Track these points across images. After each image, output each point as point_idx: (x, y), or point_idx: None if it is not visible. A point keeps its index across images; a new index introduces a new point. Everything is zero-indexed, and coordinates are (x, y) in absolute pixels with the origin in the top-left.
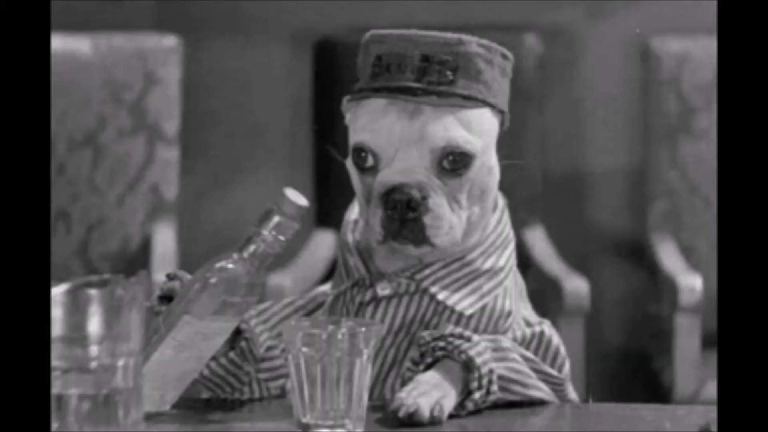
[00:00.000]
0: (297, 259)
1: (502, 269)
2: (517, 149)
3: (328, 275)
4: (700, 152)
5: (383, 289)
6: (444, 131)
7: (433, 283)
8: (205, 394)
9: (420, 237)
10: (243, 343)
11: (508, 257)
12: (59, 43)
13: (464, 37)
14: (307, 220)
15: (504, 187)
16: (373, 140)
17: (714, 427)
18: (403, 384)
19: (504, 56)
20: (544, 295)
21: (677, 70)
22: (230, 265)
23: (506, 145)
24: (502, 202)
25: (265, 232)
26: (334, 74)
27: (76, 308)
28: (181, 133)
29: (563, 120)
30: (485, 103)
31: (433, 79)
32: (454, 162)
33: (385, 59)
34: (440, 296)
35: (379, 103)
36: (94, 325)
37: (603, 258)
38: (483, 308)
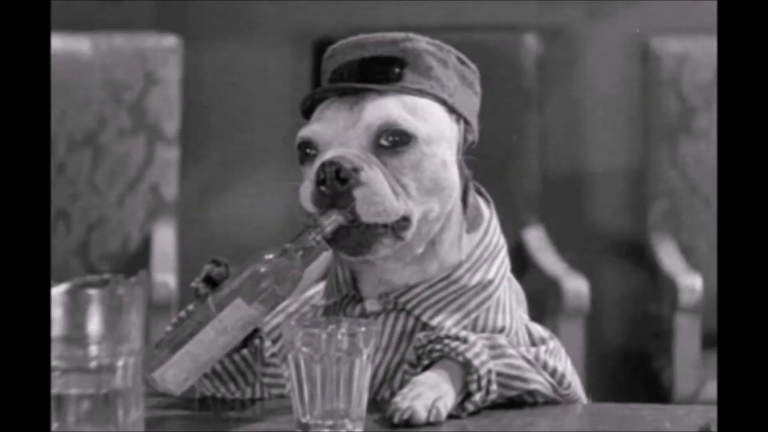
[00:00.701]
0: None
1: (491, 282)
2: (517, 149)
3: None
4: (700, 152)
5: (372, 305)
6: (381, 110)
7: (417, 305)
8: (203, 392)
9: (350, 213)
10: (257, 341)
11: (498, 267)
12: (59, 43)
13: (412, 35)
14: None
15: (504, 187)
16: (315, 130)
17: (714, 427)
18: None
19: (461, 61)
20: (544, 295)
21: (677, 70)
22: (281, 257)
23: (507, 145)
24: (488, 212)
25: (317, 234)
26: None
27: (76, 308)
28: (181, 133)
29: (563, 120)
30: (438, 99)
31: (380, 77)
32: (393, 141)
33: (337, 70)
34: (424, 317)
35: (326, 102)
36: (94, 325)
37: (603, 258)
38: (474, 323)
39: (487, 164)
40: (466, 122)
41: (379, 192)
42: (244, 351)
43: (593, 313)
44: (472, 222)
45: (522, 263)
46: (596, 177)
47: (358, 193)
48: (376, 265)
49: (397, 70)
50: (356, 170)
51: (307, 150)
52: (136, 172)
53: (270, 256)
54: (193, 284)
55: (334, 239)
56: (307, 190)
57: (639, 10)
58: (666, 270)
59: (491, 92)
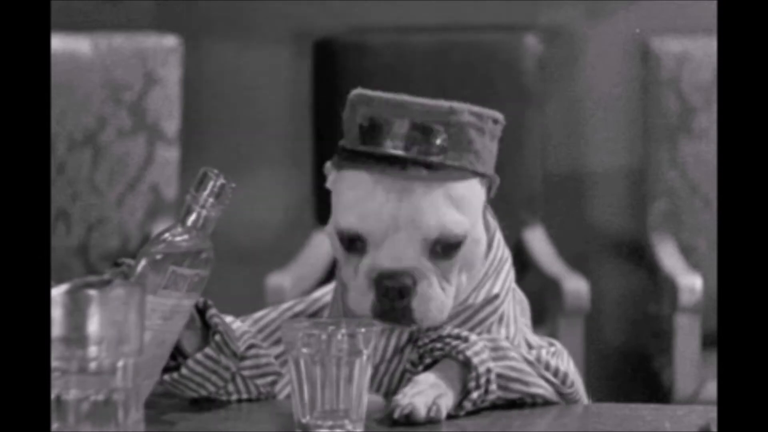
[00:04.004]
0: (297, 259)
1: (497, 296)
2: (517, 149)
3: (328, 275)
4: (700, 152)
5: (377, 324)
6: (436, 218)
7: (422, 320)
8: (189, 396)
9: (408, 321)
10: (217, 337)
11: (503, 281)
12: (59, 43)
13: (456, 105)
14: (307, 220)
15: (504, 187)
16: (361, 225)
17: (714, 427)
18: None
19: (495, 121)
20: (544, 295)
21: (677, 70)
22: (173, 237)
23: (507, 145)
24: (492, 224)
25: (203, 198)
26: (334, 74)
27: (76, 308)
28: (181, 133)
29: (563, 120)
30: (475, 174)
31: (422, 148)
32: (447, 246)
33: (372, 122)
34: (429, 331)
35: (365, 178)
36: (94, 325)
37: (603, 258)
38: (478, 334)
39: None
40: (490, 178)
41: (433, 298)
42: (207, 349)
43: (593, 313)
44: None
45: (522, 263)
46: (596, 177)
47: (415, 304)
48: None
49: (439, 143)
50: (415, 284)
51: (351, 240)
52: (136, 172)
53: (164, 236)
54: None
55: (388, 315)
56: (361, 294)
57: (639, 10)
58: (666, 270)
59: (491, 92)
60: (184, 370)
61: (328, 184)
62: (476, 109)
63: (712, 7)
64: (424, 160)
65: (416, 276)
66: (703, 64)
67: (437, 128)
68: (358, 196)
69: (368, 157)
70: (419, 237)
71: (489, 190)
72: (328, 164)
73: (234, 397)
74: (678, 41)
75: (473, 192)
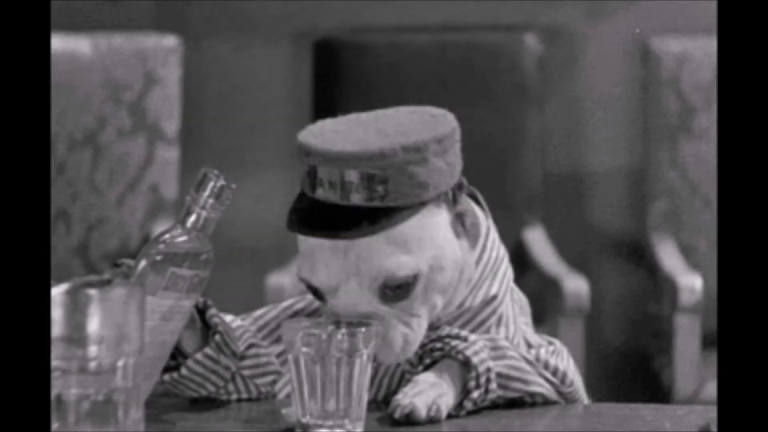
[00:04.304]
0: (297, 259)
1: (495, 297)
2: (517, 149)
3: None
4: (700, 152)
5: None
6: (378, 264)
7: (386, 360)
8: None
9: (375, 361)
10: (217, 337)
11: (501, 281)
12: (59, 43)
13: (386, 148)
14: None
15: (504, 187)
16: (314, 277)
17: (714, 427)
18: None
19: (438, 140)
20: (544, 295)
21: (677, 70)
22: (173, 238)
23: (507, 145)
24: (485, 224)
25: (202, 199)
26: (334, 74)
27: (76, 308)
28: (181, 133)
29: (563, 120)
30: (423, 204)
31: (363, 195)
32: (398, 288)
33: (317, 172)
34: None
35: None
36: (94, 325)
37: (603, 258)
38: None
39: (487, 164)
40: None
41: (393, 340)
42: (207, 349)
43: (593, 313)
44: (471, 242)
45: (522, 263)
46: (596, 177)
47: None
48: None
49: (379, 188)
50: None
51: (308, 286)
52: (136, 172)
53: (164, 237)
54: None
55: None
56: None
57: (639, 10)
58: (666, 270)
59: (491, 92)
60: (183, 371)
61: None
62: (411, 142)
63: (712, 7)
64: (363, 207)
65: (366, 321)
66: (703, 64)
67: (373, 173)
68: (310, 247)
69: (316, 208)
70: (366, 284)
71: (455, 198)
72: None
73: (234, 396)
74: (678, 41)
75: (423, 226)
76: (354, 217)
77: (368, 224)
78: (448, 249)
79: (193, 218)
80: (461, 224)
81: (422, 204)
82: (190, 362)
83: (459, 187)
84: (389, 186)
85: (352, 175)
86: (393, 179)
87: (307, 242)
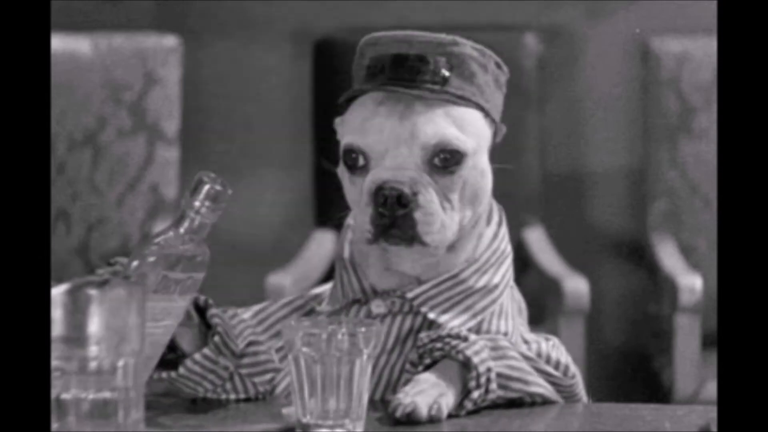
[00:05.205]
0: (297, 259)
1: (497, 286)
2: (517, 149)
3: (328, 275)
4: (700, 152)
5: (377, 307)
6: (435, 128)
7: (424, 302)
8: (189, 394)
9: (410, 234)
10: (216, 338)
11: (503, 274)
12: (59, 43)
13: (459, 38)
14: (307, 220)
15: (504, 187)
16: (363, 140)
17: (714, 427)
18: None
19: (498, 65)
20: (544, 295)
21: (677, 70)
22: (166, 241)
23: (506, 145)
24: (497, 216)
25: (197, 203)
26: (334, 74)
27: (76, 308)
28: (181, 133)
29: (563, 120)
30: (478, 106)
31: (427, 78)
32: (446, 159)
33: (379, 60)
34: (431, 315)
35: (369, 104)
36: (94, 325)
37: (603, 258)
38: (478, 326)
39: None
40: (496, 123)
41: (435, 213)
42: (205, 350)
43: (593, 313)
44: (487, 218)
45: (522, 263)
46: (596, 177)
47: (418, 215)
48: (390, 253)
49: (444, 73)
50: (415, 194)
51: (354, 156)
52: (136, 172)
53: (157, 239)
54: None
55: (389, 230)
56: (362, 211)
57: (639, 10)
58: (666, 270)
59: None
60: (182, 370)
61: (338, 133)
62: (479, 46)
63: (712, 7)
64: (428, 88)
65: (415, 187)
66: (703, 64)
67: (440, 59)
68: (363, 116)
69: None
70: (418, 149)
71: (494, 135)
72: (336, 121)
73: (232, 396)
74: (678, 41)
75: (476, 120)
76: (418, 89)
77: (430, 94)
78: (486, 162)
79: (187, 222)
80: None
81: (479, 108)
82: (188, 362)
83: (500, 129)
84: (453, 73)
85: (422, 58)
86: (457, 68)
87: (357, 114)
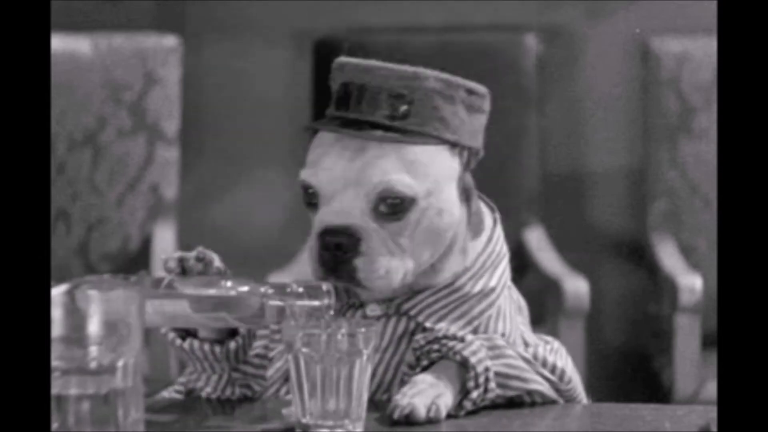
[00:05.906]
0: (297, 259)
1: (493, 290)
2: (517, 149)
3: None
4: (700, 152)
5: (373, 311)
6: (381, 175)
7: (420, 312)
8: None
9: (352, 280)
10: (232, 344)
11: (500, 275)
12: (59, 43)
13: (420, 71)
14: (307, 221)
15: (504, 187)
16: (315, 178)
17: (714, 427)
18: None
19: (469, 91)
20: (544, 295)
21: (677, 70)
22: (252, 296)
23: (506, 145)
24: (490, 220)
25: (298, 308)
26: None
27: (76, 308)
28: (181, 133)
29: (563, 120)
30: (440, 140)
31: (385, 112)
32: (393, 206)
33: (343, 88)
34: (428, 324)
35: (327, 139)
36: (94, 325)
37: (603, 258)
38: (476, 330)
39: (487, 164)
40: (470, 149)
41: (377, 261)
42: (217, 347)
43: (593, 313)
44: (474, 230)
45: (522, 263)
46: (596, 177)
47: (359, 263)
48: None
49: (403, 107)
50: (358, 241)
51: (310, 192)
52: (136, 172)
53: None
54: (164, 257)
55: (334, 272)
56: (311, 248)
57: (639, 10)
58: (666, 270)
59: (491, 92)
60: (186, 345)
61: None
62: (444, 76)
63: (712, 7)
64: (385, 124)
65: (359, 234)
66: (703, 64)
67: (401, 92)
68: (320, 150)
69: (334, 121)
70: (363, 192)
71: (468, 163)
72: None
73: (218, 394)
74: (678, 41)
75: (433, 159)
76: (373, 126)
77: (383, 133)
78: (449, 196)
79: (278, 303)
80: (466, 198)
81: (441, 141)
82: (196, 344)
83: (475, 154)
84: (413, 108)
85: (381, 91)
86: (418, 102)
87: (317, 148)
